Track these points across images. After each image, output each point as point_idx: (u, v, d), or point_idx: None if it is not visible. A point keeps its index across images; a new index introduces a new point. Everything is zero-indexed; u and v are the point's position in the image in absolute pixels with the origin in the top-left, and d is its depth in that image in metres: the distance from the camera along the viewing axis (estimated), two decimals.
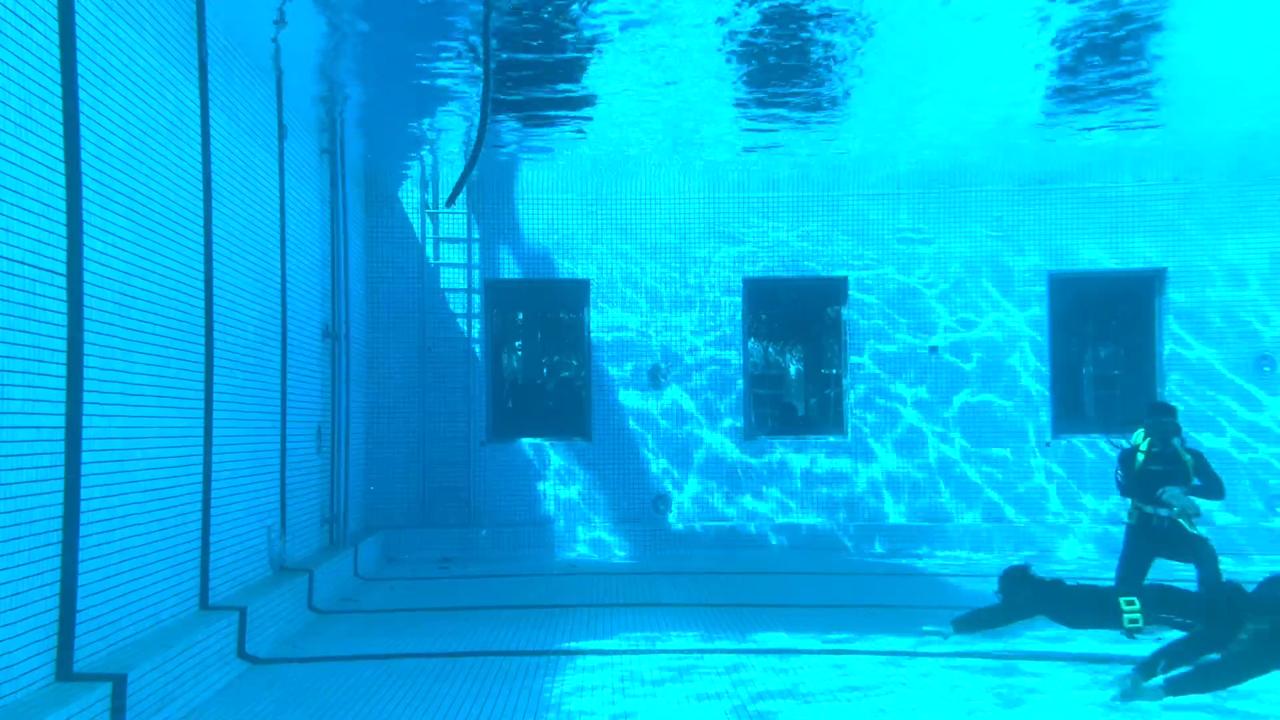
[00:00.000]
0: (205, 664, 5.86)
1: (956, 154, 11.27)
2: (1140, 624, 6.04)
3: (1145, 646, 5.57)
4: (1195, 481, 6.98)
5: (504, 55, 7.79)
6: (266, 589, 7.35)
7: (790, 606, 8.51)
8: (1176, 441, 7.10)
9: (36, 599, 4.45)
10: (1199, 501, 6.98)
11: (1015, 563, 7.01)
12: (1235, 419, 11.46)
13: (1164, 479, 6.99)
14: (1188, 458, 7.01)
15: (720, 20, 7.32)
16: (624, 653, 6.88)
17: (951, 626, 6.68)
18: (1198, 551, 6.94)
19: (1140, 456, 7.16)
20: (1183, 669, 4.94)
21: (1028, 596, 6.50)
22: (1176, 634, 5.48)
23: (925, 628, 6.86)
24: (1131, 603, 6.06)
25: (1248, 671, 4.79)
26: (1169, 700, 4.95)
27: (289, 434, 8.44)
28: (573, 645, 7.13)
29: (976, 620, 6.69)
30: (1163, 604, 5.97)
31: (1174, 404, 8.08)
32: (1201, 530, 7.03)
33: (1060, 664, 6.43)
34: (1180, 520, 6.93)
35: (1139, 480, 7.10)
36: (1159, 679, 4.97)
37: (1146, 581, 6.32)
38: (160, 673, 5.19)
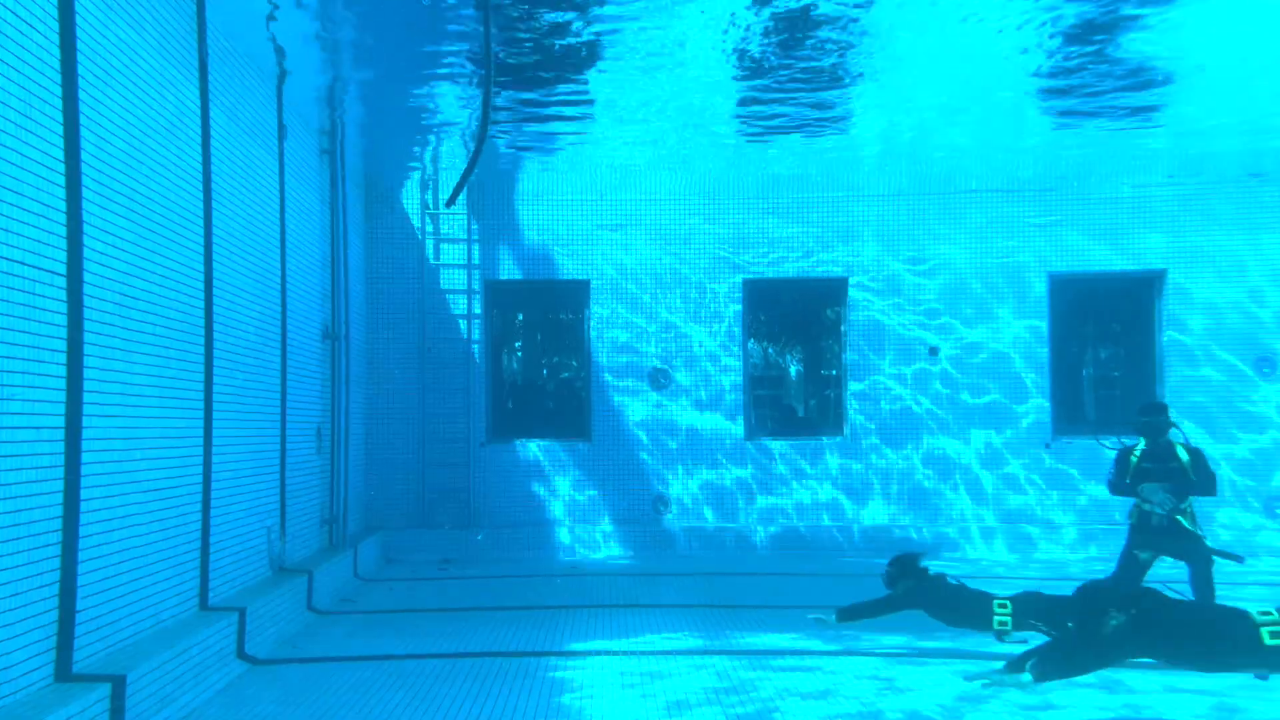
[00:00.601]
0: (205, 664, 5.85)
1: (956, 155, 11.26)
2: (1009, 627, 6.15)
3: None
4: (1194, 479, 7.01)
5: (505, 56, 7.79)
6: (266, 590, 7.35)
7: (793, 608, 8.50)
8: (1176, 436, 7.10)
9: (36, 599, 4.45)
10: (1195, 499, 6.99)
11: (906, 551, 7.15)
12: (1234, 420, 11.47)
13: (1156, 477, 7.02)
14: (1184, 455, 7.02)
15: (724, 26, 7.33)
16: (624, 654, 6.88)
17: (834, 615, 6.83)
18: (1192, 550, 6.95)
19: (1134, 456, 7.19)
20: (1049, 660, 5.08)
21: (908, 588, 6.66)
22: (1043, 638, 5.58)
23: (810, 615, 7.02)
24: (1004, 606, 6.17)
25: (1108, 660, 5.01)
26: (1036, 687, 5.08)
27: (289, 434, 8.44)
28: (573, 646, 7.12)
29: (859, 611, 6.85)
30: (1034, 612, 6.06)
31: (1169, 404, 8.05)
32: (1204, 531, 7.02)
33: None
34: (1180, 519, 6.93)
35: (1135, 479, 7.13)
36: (1027, 673, 5.09)
37: (1027, 591, 6.40)
38: (160, 673, 5.19)
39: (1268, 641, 4.50)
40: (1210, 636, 4.71)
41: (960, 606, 6.53)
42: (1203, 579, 6.92)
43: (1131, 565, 7.23)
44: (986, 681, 5.30)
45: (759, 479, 11.85)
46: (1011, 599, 6.23)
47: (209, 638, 5.97)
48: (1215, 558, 6.89)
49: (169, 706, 5.26)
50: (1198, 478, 6.97)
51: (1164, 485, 6.97)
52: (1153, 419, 7.21)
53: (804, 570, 10.49)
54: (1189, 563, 6.98)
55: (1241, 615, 4.63)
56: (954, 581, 6.66)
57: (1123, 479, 7.24)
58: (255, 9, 6.90)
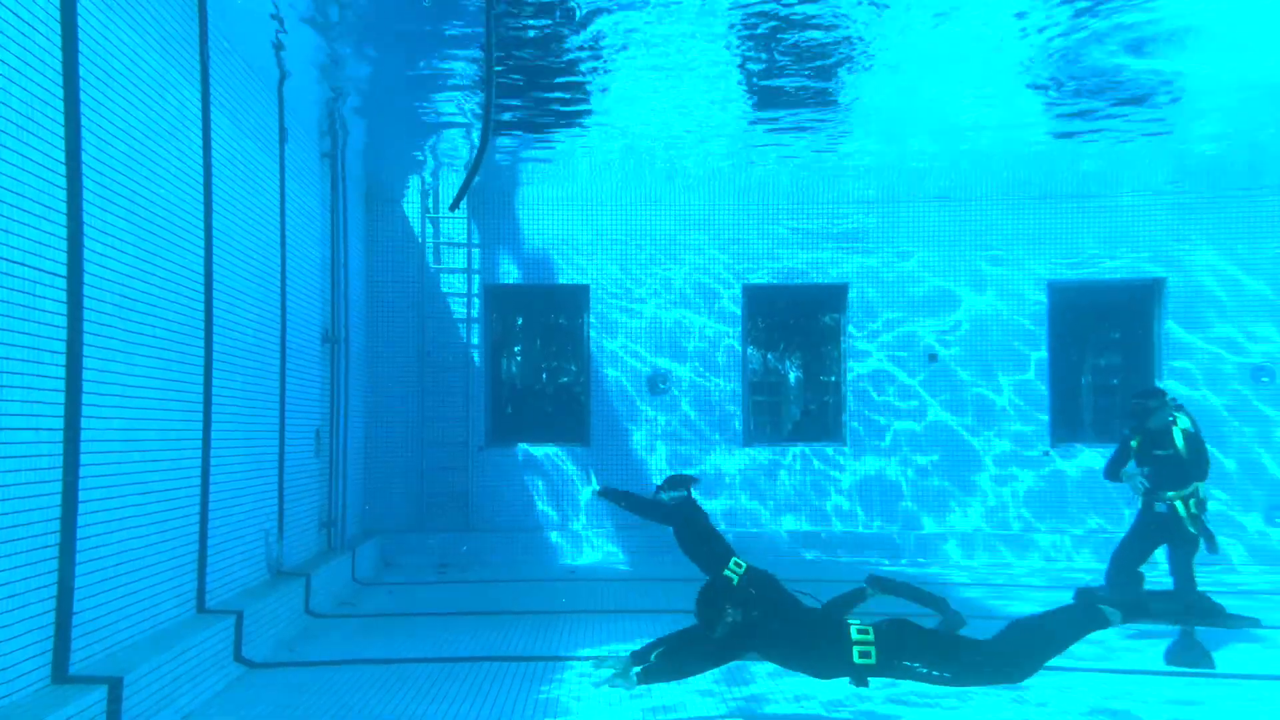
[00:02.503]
0: (202, 667, 5.85)
1: (956, 163, 11.28)
2: (735, 583, 6.50)
3: None
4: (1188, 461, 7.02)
5: (507, 60, 7.80)
6: (264, 592, 7.34)
7: None
8: (1179, 419, 7.07)
9: (33, 600, 4.44)
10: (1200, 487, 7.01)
11: (683, 474, 7.96)
12: (1234, 427, 11.48)
13: (1148, 462, 7.04)
14: (1180, 441, 7.01)
15: (725, 31, 7.35)
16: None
17: (599, 487, 7.91)
18: (1180, 540, 6.95)
19: (1134, 442, 7.21)
20: (658, 659, 5.09)
21: (673, 506, 7.42)
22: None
23: (591, 484, 7.97)
24: (739, 566, 6.73)
25: (712, 661, 5.06)
26: (640, 688, 5.07)
27: (287, 437, 8.43)
28: (570, 651, 7.11)
29: (624, 498, 7.76)
30: (759, 584, 6.31)
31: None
32: (1206, 522, 7.00)
33: None
34: (1178, 505, 6.92)
35: (1135, 463, 7.16)
36: (635, 670, 5.04)
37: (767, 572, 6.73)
38: (157, 675, 5.19)
39: (856, 660, 4.68)
40: (811, 645, 4.83)
41: (707, 544, 7.17)
42: (1181, 565, 6.93)
43: (1129, 549, 7.25)
44: (613, 673, 5.12)
45: (758, 484, 11.84)
46: (749, 567, 6.74)
47: (206, 640, 5.97)
48: (1200, 547, 6.90)
49: (166, 709, 5.26)
50: (1190, 460, 6.97)
51: (1143, 470, 7.00)
52: (1140, 403, 7.23)
53: (805, 576, 10.44)
54: (1169, 546, 6.99)
55: (843, 629, 4.77)
56: (713, 523, 7.40)
57: (1115, 465, 7.30)
58: (258, 11, 6.91)
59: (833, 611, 5.04)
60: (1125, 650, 7.00)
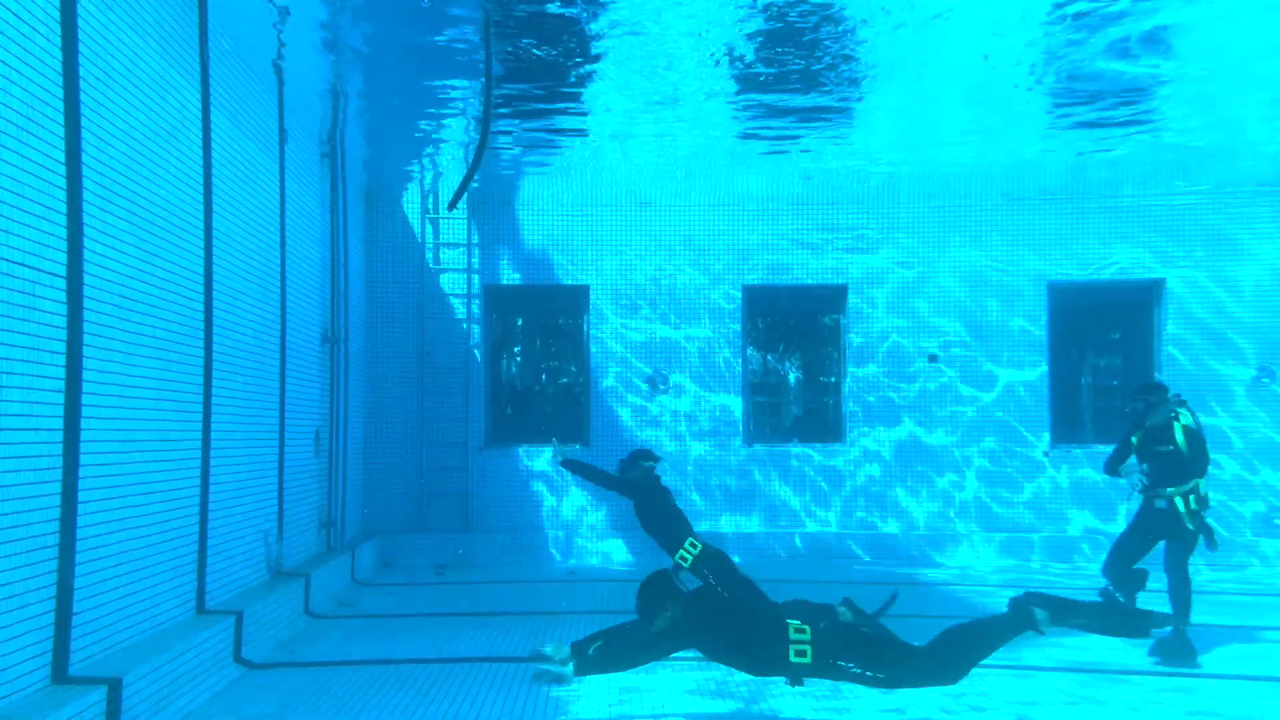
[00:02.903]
0: (201, 668, 5.85)
1: (955, 163, 11.28)
2: (687, 565, 7.02)
3: None
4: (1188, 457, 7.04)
5: (507, 60, 7.80)
6: (263, 593, 7.34)
7: None
8: (1181, 415, 7.07)
9: (32, 601, 4.44)
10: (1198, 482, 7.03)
11: (644, 449, 8.38)
12: (1233, 429, 11.48)
13: (1149, 458, 7.05)
14: (1181, 437, 7.01)
15: (728, 37, 7.35)
16: None
17: (560, 457, 8.44)
18: (1178, 536, 6.96)
19: (1135, 437, 7.22)
20: (595, 651, 5.04)
21: (634, 479, 7.81)
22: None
23: (555, 452, 8.67)
24: (694, 546, 7.01)
25: (650, 655, 4.98)
26: (576, 679, 5.02)
27: (287, 438, 8.43)
28: None
29: (585, 469, 8.17)
30: (712, 568, 6.85)
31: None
32: (1210, 521, 7.00)
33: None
34: (1178, 501, 6.92)
35: (1139, 459, 7.19)
36: (571, 663, 4.93)
37: (723, 553, 7.22)
38: (156, 676, 5.18)
39: (791, 659, 4.67)
40: (748, 642, 4.81)
41: (666, 522, 7.41)
42: (1177, 561, 6.94)
43: (1127, 543, 7.26)
44: (552, 665, 4.91)
45: (758, 485, 11.84)
46: (705, 546, 7.01)
47: (206, 641, 5.96)
48: (1196, 548, 6.91)
49: (165, 710, 5.25)
50: (1191, 457, 6.96)
51: (1141, 466, 7.04)
52: (1141, 399, 7.24)
53: (805, 577, 10.47)
54: (1167, 542, 7.00)
55: (781, 627, 4.74)
56: (677, 505, 7.66)
57: (1115, 460, 7.32)
58: (258, 11, 6.91)
59: (779, 611, 4.99)
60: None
